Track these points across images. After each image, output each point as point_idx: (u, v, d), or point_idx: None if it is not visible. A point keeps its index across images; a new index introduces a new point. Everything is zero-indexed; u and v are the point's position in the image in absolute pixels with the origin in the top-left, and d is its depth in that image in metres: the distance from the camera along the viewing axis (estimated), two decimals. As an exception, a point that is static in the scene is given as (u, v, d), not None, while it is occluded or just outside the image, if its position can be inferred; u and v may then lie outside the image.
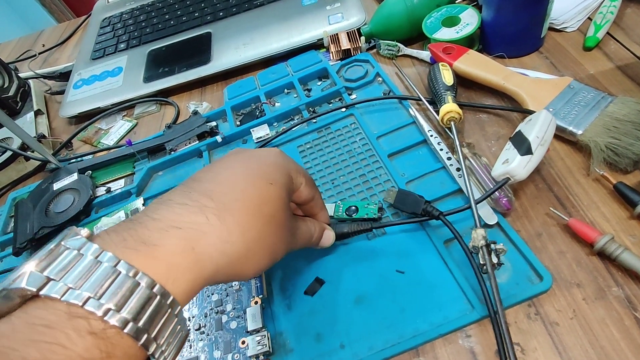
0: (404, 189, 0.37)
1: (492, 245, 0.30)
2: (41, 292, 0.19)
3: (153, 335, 0.20)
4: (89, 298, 0.19)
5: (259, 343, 0.32)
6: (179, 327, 0.22)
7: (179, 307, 0.22)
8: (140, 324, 0.20)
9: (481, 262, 0.30)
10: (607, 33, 0.46)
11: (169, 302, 0.21)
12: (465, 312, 0.31)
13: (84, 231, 0.22)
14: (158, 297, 0.20)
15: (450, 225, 0.33)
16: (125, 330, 0.19)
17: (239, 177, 0.27)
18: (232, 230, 0.24)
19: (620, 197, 0.33)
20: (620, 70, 0.42)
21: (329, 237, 0.35)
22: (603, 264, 0.31)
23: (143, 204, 0.48)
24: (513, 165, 0.32)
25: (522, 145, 0.33)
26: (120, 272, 0.20)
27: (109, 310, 0.19)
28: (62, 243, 0.21)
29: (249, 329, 0.33)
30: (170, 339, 0.21)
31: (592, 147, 0.35)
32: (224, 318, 0.36)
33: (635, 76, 0.41)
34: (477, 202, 0.33)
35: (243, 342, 0.33)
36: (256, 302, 0.35)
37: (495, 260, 0.29)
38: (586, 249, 0.32)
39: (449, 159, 0.39)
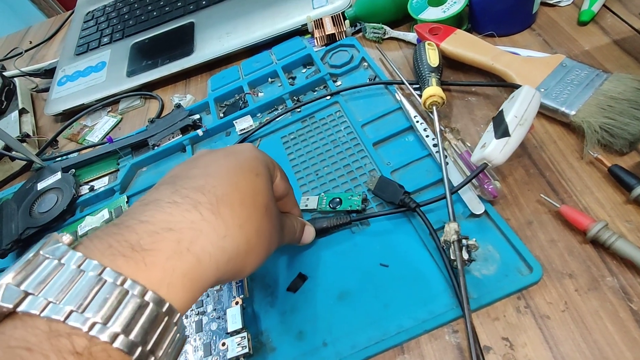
0: (386, 177, 0.36)
1: (464, 241, 0.28)
2: (18, 309, 0.17)
3: (149, 347, 0.18)
4: (71, 312, 0.17)
5: (238, 344, 0.31)
6: (178, 335, 0.20)
7: (178, 315, 0.20)
8: (132, 336, 0.18)
9: (452, 258, 0.28)
10: (604, 5, 0.43)
11: (164, 309, 0.19)
12: (451, 306, 0.30)
13: (66, 238, 0.20)
14: (151, 305, 0.19)
15: (426, 219, 0.32)
16: (115, 345, 0.17)
17: (229, 170, 0.25)
18: (230, 223, 0.23)
19: (616, 180, 0.31)
20: (617, 45, 0.40)
21: (309, 232, 0.35)
22: (597, 252, 0.30)
23: (127, 202, 0.46)
24: (488, 150, 0.30)
25: (500, 127, 0.30)
26: (106, 281, 0.18)
27: (94, 324, 0.17)
28: (41, 252, 0.19)
29: (229, 330, 0.32)
30: (169, 349, 0.20)
31: (585, 128, 0.33)
32: (205, 319, 0.34)
33: (633, 50, 0.39)
34: (453, 192, 0.32)
35: (223, 344, 0.32)
36: (237, 303, 0.34)
37: (466, 256, 0.27)
38: (579, 237, 0.30)
39: (434, 145, 0.37)
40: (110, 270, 0.18)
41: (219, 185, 0.24)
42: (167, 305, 0.19)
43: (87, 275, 0.18)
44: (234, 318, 0.33)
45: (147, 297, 0.19)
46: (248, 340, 0.32)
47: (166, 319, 0.19)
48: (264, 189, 0.26)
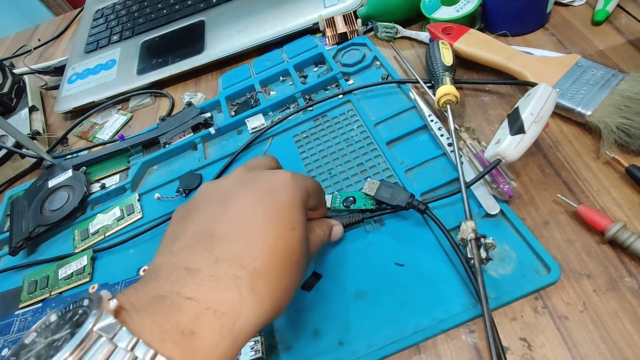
0: (387, 181, 0.36)
1: (482, 240, 0.28)
2: None
3: None
4: None
5: (252, 349, 0.31)
6: None
7: None
8: None
9: (469, 256, 0.28)
10: (618, 5, 0.43)
11: None
12: (468, 306, 0.30)
13: (112, 303, 0.19)
14: None
15: (437, 219, 0.32)
16: None
17: (265, 228, 0.25)
18: (265, 300, 0.23)
19: (633, 180, 0.31)
20: (632, 45, 0.40)
21: (338, 232, 0.35)
22: (615, 253, 0.29)
23: (138, 200, 0.46)
24: (503, 146, 0.30)
25: (515, 124, 0.30)
26: None
27: None
28: (94, 329, 0.18)
29: None
30: None
31: (602, 128, 0.33)
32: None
33: (648, 51, 0.39)
34: (468, 186, 0.32)
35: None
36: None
37: (484, 255, 0.27)
38: (596, 238, 0.30)
39: (449, 144, 0.37)
40: (161, 357, 0.18)
41: (258, 255, 0.23)
42: None
43: None
44: None
45: None
46: (262, 344, 0.32)
47: None
48: (298, 243, 0.25)
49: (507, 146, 0.30)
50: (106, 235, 0.45)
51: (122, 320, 0.19)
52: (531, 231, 0.31)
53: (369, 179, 0.36)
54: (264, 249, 0.24)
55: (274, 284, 0.23)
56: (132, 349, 0.18)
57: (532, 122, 0.30)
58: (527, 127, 0.30)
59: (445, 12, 0.46)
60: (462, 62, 0.44)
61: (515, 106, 0.33)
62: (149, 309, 0.20)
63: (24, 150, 0.55)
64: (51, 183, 0.50)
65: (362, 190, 0.35)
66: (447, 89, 0.37)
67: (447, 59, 0.40)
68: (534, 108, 0.31)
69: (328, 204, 0.37)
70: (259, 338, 0.32)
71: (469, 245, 0.28)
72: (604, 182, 0.33)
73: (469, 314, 0.29)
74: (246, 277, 0.23)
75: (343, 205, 0.37)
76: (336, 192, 0.38)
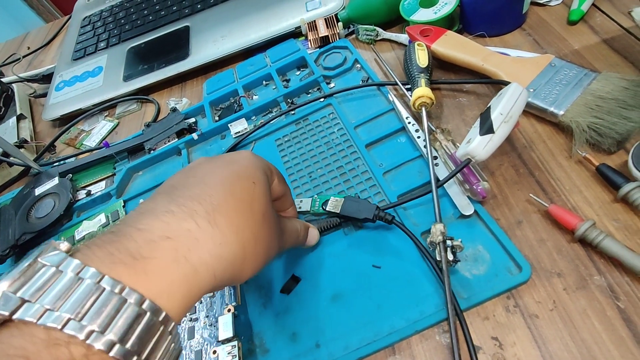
0: (351, 196, 0.36)
1: (449, 242, 0.28)
2: (14, 316, 0.17)
3: (144, 357, 0.18)
4: (69, 320, 0.17)
5: (229, 353, 0.31)
6: (173, 344, 0.20)
7: (173, 324, 0.20)
8: (129, 345, 0.18)
9: (437, 259, 0.28)
10: (593, 5, 0.43)
11: (161, 318, 0.19)
12: (441, 307, 0.30)
13: (64, 245, 0.19)
14: (148, 314, 0.19)
15: (405, 228, 0.33)
16: (111, 354, 0.17)
17: (225, 178, 0.25)
18: (226, 232, 0.23)
19: (604, 179, 0.32)
20: (606, 43, 0.40)
21: (314, 235, 0.35)
22: (585, 251, 0.30)
23: (123, 206, 0.47)
24: (472, 145, 0.30)
25: (485, 124, 0.31)
26: (104, 289, 0.18)
27: (91, 332, 0.17)
28: (39, 259, 0.18)
29: (220, 339, 0.32)
30: (164, 359, 0.19)
31: (574, 127, 0.34)
32: (197, 326, 0.35)
33: (621, 49, 0.39)
34: (439, 185, 0.32)
35: (214, 352, 0.32)
36: (229, 310, 0.34)
37: (450, 257, 0.28)
38: (567, 237, 0.31)
39: (425, 146, 0.37)
40: (108, 278, 0.18)
41: (215, 193, 0.24)
42: (163, 314, 0.19)
43: (85, 283, 0.18)
44: (225, 326, 0.33)
45: (144, 306, 0.18)
46: (239, 349, 0.32)
47: (162, 328, 0.19)
48: (261, 196, 0.26)
49: (477, 145, 0.30)
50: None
51: (74, 255, 0.19)
52: (504, 231, 0.32)
53: (332, 197, 0.36)
54: (222, 190, 0.24)
55: (236, 221, 0.23)
56: (78, 274, 0.18)
57: (502, 121, 0.31)
58: (497, 126, 0.30)
59: (424, 14, 0.46)
60: (441, 63, 0.44)
61: (488, 105, 0.33)
62: (100, 243, 0.20)
63: (11, 158, 0.55)
64: (38, 191, 0.51)
65: (327, 209, 0.36)
66: (421, 92, 0.37)
67: (422, 60, 0.40)
68: (504, 108, 0.31)
69: (307, 207, 0.38)
70: (236, 343, 0.32)
71: (438, 247, 0.29)
72: (575, 181, 0.33)
73: (442, 315, 0.30)
74: (204, 211, 0.22)
75: (322, 208, 0.37)
76: (316, 196, 0.39)
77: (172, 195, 0.24)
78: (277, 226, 0.28)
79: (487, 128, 0.30)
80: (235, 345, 0.32)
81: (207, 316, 0.35)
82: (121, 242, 0.20)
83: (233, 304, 0.34)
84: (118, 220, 0.22)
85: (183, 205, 0.23)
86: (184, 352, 0.33)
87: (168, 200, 0.23)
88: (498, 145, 0.30)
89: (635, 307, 0.27)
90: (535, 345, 0.27)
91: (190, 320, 0.35)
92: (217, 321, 0.34)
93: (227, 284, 0.24)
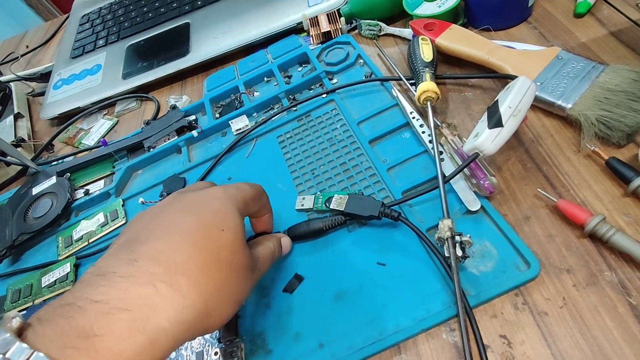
0: (355, 194, 0.35)
1: (457, 237, 0.28)
2: None
3: None
4: None
5: (231, 355, 0.31)
6: None
7: None
8: None
9: (446, 255, 0.28)
10: (600, -3, 0.42)
11: None
12: (448, 304, 0.29)
13: (15, 321, 0.19)
14: None
15: (412, 225, 0.32)
16: None
17: (190, 230, 0.24)
18: (188, 293, 0.22)
19: (613, 173, 0.31)
20: (613, 36, 0.39)
21: (287, 243, 0.35)
22: (595, 247, 0.29)
23: (122, 205, 0.46)
24: (480, 139, 0.29)
25: (493, 117, 0.30)
26: None
27: None
28: None
29: (222, 339, 0.32)
30: None
31: (582, 121, 0.33)
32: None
33: (629, 41, 0.38)
34: (446, 181, 0.31)
35: (216, 353, 0.31)
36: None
37: (459, 253, 0.27)
38: (577, 232, 0.30)
39: (430, 141, 0.36)
40: None
41: (177, 250, 0.23)
42: None
43: None
44: (228, 327, 0.32)
45: None
46: (241, 350, 0.31)
47: None
48: (230, 245, 0.25)
49: (485, 139, 0.29)
50: (90, 241, 0.44)
51: (24, 335, 0.18)
52: (512, 227, 0.31)
53: (336, 195, 0.36)
54: (186, 245, 0.23)
55: (199, 279, 0.23)
56: None
57: (510, 115, 0.30)
58: (505, 120, 0.30)
59: (428, 8, 0.46)
60: (446, 58, 0.43)
61: (495, 99, 0.33)
62: (53, 319, 0.20)
63: (8, 157, 0.54)
64: (35, 190, 0.50)
65: (331, 207, 0.35)
66: (426, 86, 0.36)
67: (427, 54, 0.39)
68: (512, 101, 0.30)
69: (310, 205, 0.37)
70: (239, 344, 0.31)
71: (446, 243, 0.28)
72: (584, 176, 0.32)
73: (450, 312, 0.29)
74: (163, 272, 0.22)
75: (325, 205, 0.37)
76: (319, 193, 0.38)
77: (133, 253, 0.23)
78: (247, 269, 0.27)
79: (495, 121, 0.30)
80: (237, 347, 0.31)
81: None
82: (74, 318, 0.19)
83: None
84: (76, 281, 0.21)
85: (142, 269, 0.22)
86: (184, 352, 0.33)
87: (127, 260, 0.22)
88: (506, 139, 0.30)
89: (647, 303, 0.26)
90: (545, 344, 0.27)
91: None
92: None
93: (194, 338, 0.23)
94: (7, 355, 0.18)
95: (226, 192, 0.28)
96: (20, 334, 0.19)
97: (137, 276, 0.21)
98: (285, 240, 0.35)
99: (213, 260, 0.24)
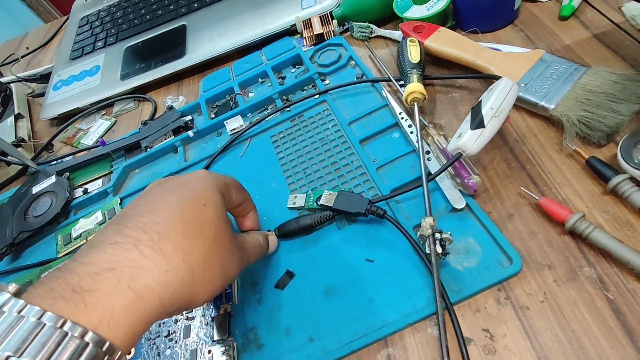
0: (344, 190, 0.36)
1: (437, 235, 0.29)
2: None
3: None
4: (8, 357, 0.17)
5: (223, 353, 0.32)
6: None
7: (120, 353, 0.20)
8: None
9: (427, 252, 0.29)
10: (584, 0, 0.43)
11: (105, 348, 0.19)
12: (433, 299, 0.30)
13: (12, 287, 0.20)
14: (91, 345, 0.19)
15: (396, 223, 0.33)
16: None
17: (174, 204, 0.26)
18: (172, 257, 0.23)
19: (593, 172, 0.32)
20: (597, 38, 0.40)
21: (274, 242, 0.36)
22: (575, 243, 0.30)
23: (120, 204, 0.47)
24: (463, 139, 0.30)
25: (476, 118, 0.31)
26: (45, 325, 0.18)
27: None
28: None
29: (215, 338, 0.33)
30: None
31: (564, 121, 0.34)
32: (193, 325, 0.35)
33: (612, 44, 0.39)
34: (429, 179, 0.33)
35: (209, 352, 0.32)
36: (225, 310, 0.34)
37: (439, 250, 0.28)
38: (558, 229, 0.31)
39: (417, 141, 0.37)
40: (50, 314, 0.19)
41: (161, 220, 0.24)
42: (107, 344, 0.19)
43: (28, 321, 0.18)
44: (221, 326, 0.33)
45: (87, 338, 0.19)
46: (233, 349, 0.32)
47: (106, 357, 0.19)
48: (212, 218, 0.26)
49: (467, 140, 0.30)
50: (88, 239, 0.45)
51: (18, 296, 0.20)
52: (496, 224, 0.32)
53: (326, 191, 0.37)
54: (169, 217, 0.24)
55: (183, 246, 0.24)
56: (21, 312, 0.19)
57: (492, 116, 0.31)
58: (487, 121, 0.31)
59: (417, 11, 0.47)
60: (434, 59, 0.44)
61: (479, 99, 0.34)
62: (44, 281, 0.21)
63: (8, 157, 0.55)
64: (35, 189, 0.51)
65: (320, 203, 0.36)
66: (413, 87, 0.37)
67: (414, 56, 0.40)
68: (494, 102, 0.31)
69: (302, 203, 0.38)
70: (231, 343, 0.32)
71: (427, 241, 0.29)
72: (566, 174, 0.33)
73: (434, 308, 0.30)
74: (147, 239, 0.23)
75: (316, 203, 0.38)
76: (310, 191, 0.39)
77: (120, 225, 0.24)
78: (233, 245, 0.28)
79: (477, 122, 0.31)
80: (230, 345, 0.32)
81: (204, 315, 0.35)
82: (64, 278, 0.21)
83: (229, 303, 0.34)
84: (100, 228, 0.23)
85: (128, 236, 0.23)
86: (179, 350, 0.34)
87: (115, 231, 0.24)
88: (488, 139, 0.31)
89: (624, 297, 0.27)
90: (526, 337, 0.27)
91: (187, 319, 0.35)
92: (213, 320, 0.34)
93: (180, 308, 0.24)
94: (4, 309, 0.19)
95: (208, 173, 0.30)
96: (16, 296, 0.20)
97: (123, 243, 0.23)
98: (272, 239, 0.36)
99: (197, 231, 0.25)
